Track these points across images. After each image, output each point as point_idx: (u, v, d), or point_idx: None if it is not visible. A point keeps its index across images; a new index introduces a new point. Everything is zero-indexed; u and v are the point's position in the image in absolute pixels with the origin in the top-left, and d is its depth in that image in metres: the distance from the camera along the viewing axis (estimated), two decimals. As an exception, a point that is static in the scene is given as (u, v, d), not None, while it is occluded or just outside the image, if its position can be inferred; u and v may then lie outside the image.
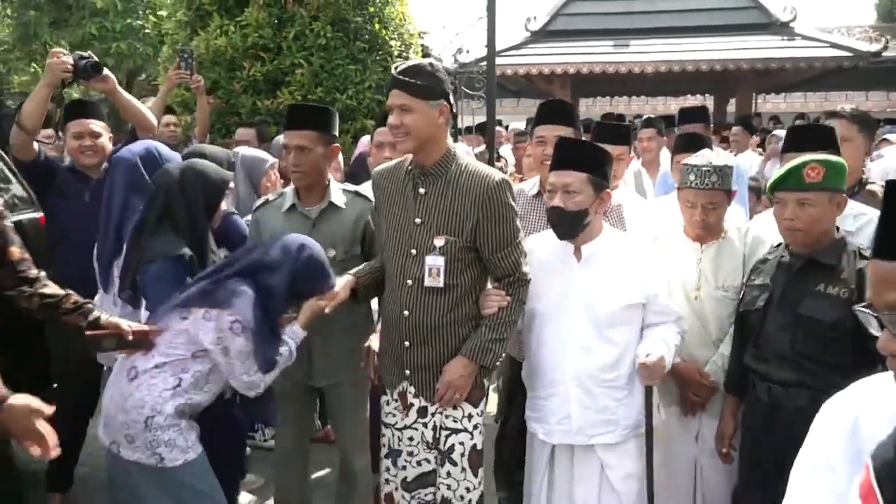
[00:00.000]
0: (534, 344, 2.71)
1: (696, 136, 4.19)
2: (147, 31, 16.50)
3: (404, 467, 2.59)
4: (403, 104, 2.37)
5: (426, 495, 2.59)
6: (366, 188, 3.07)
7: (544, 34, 13.84)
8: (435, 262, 2.43)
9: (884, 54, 12.23)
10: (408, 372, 2.55)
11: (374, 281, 2.66)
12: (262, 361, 2.31)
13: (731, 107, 15.21)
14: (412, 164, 2.52)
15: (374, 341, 2.77)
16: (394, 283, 2.55)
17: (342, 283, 2.56)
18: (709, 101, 17.07)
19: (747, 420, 2.60)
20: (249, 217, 3.16)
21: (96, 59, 3.36)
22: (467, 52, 13.44)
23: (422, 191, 2.47)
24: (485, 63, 12.86)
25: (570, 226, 2.54)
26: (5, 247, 2.49)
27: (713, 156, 2.83)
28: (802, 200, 2.40)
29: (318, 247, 2.48)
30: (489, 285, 2.61)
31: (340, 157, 4.36)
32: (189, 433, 2.32)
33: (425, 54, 7.69)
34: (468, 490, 2.53)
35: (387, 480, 2.64)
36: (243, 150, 3.93)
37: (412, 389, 2.56)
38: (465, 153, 2.88)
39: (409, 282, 2.48)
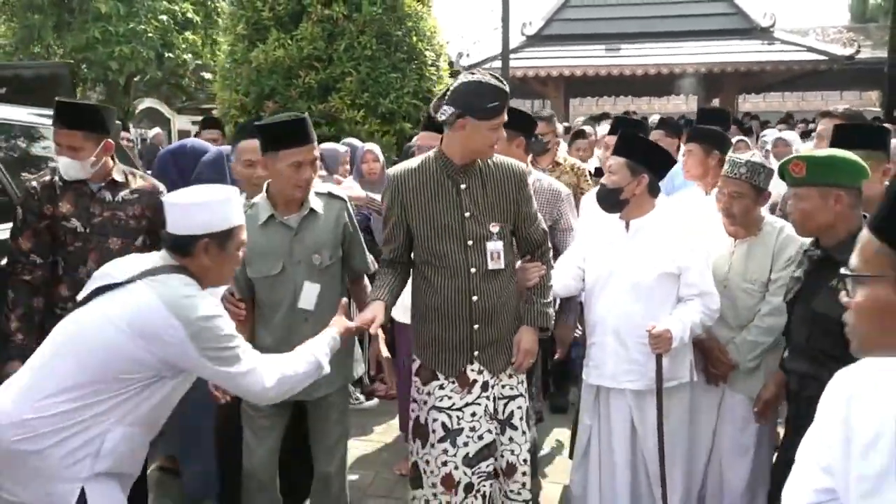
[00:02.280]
0: (589, 303, 3.02)
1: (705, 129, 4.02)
2: (150, 34, 16.70)
3: (466, 444, 2.62)
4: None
5: (487, 467, 2.66)
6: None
7: (540, 38, 14.60)
8: (495, 246, 2.60)
9: (856, 57, 13.16)
10: (476, 352, 2.64)
11: (395, 298, 2.72)
12: None
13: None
14: (442, 164, 2.61)
15: (383, 350, 2.85)
16: (453, 274, 2.60)
17: (376, 308, 2.57)
18: (693, 102, 17.94)
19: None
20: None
21: None
22: (467, 55, 14.18)
23: (463, 186, 2.59)
24: (486, 67, 13.66)
25: (608, 199, 2.89)
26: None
27: (754, 154, 3.02)
28: (795, 195, 2.48)
29: None
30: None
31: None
32: None
33: (451, 62, 8.39)
34: (528, 451, 2.71)
35: (444, 462, 2.64)
36: (322, 146, 4.67)
37: (475, 367, 2.65)
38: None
39: (473, 269, 2.59)
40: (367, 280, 3.02)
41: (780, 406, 2.86)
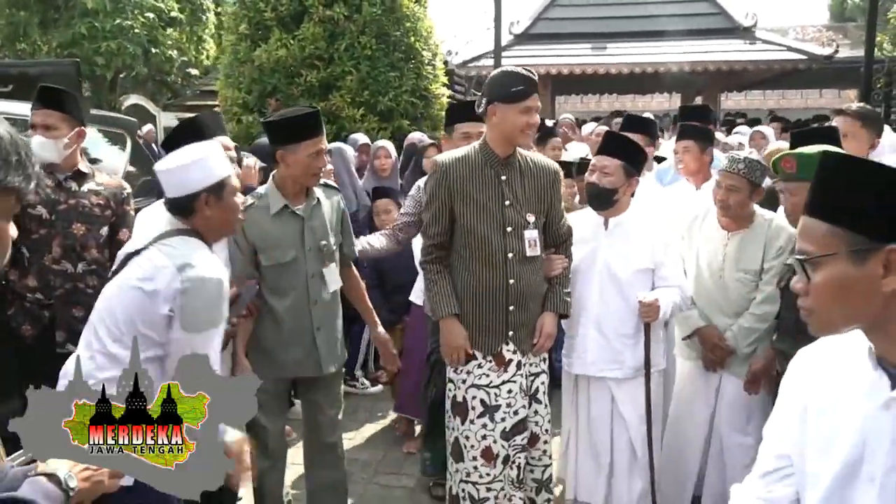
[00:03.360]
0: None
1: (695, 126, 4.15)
2: (136, 31, 16.66)
3: (503, 419, 2.79)
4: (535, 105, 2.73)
5: (521, 440, 2.85)
6: None
7: (527, 37, 14.77)
8: (532, 235, 2.79)
9: (835, 56, 13.51)
10: (511, 333, 2.81)
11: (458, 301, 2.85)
12: None
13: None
14: (485, 155, 2.79)
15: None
16: (490, 259, 2.77)
17: (459, 333, 2.80)
18: (676, 100, 18.24)
19: None
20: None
21: None
22: (456, 54, 14.38)
23: (503, 177, 2.79)
24: (474, 64, 13.89)
25: (601, 199, 3.00)
26: (122, 227, 3.06)
27: (752, 152, 3.26)
28: (787, 189, 2.62)
29: None
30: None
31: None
32: None
33: (445, 61, 8.61)
34: (549, 422, 2.92)
35: (483, 437, 2.81)
36: (341, 144, 4.89)
37: (511, 347, 2.81)
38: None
39: (511, 255, 2.77)
40: (353, 266, 3.18)
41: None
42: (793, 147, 2.89)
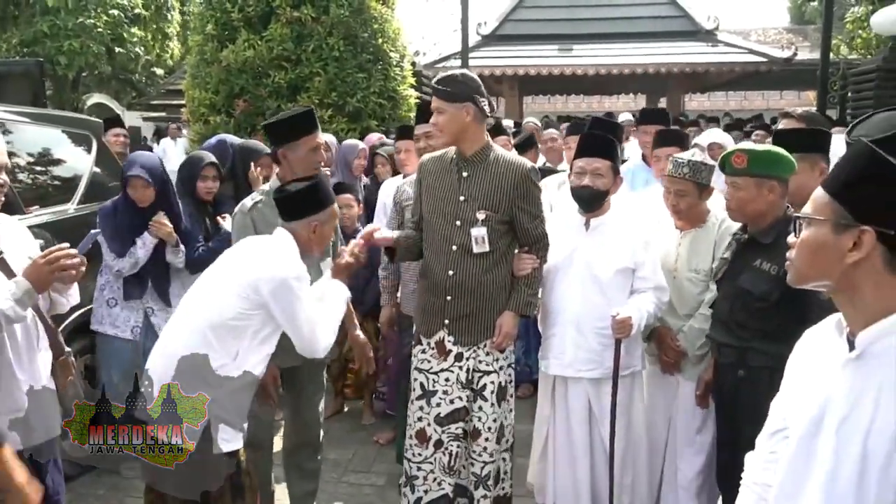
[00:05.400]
0: (546, 294, 3.14)
1: (676, 132, 4.32)
2: (99, 29, 16.40)
3: (438, 405, 2.95)
4: (437, 107, 2.86)
5: (455, 429, 2.95)
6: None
7: (494, 38, 14.85)
8: (479, 231, 2.86)
9: (794, 59, 13.83)
10: (447, 321, 2.93)
11: (411, 245, 3.05)
12: None
13: (662, 105, 16.62)
14: (456, 154, 2.94)
15: (359, 335, 3.20)
16: (438, 248, 2.94)
17: (386, 232, 3.00)
18: (641, 101, 18.49)
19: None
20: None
21: None
22: (424, 55, 14.43)
23: (465, 174, 2.90)
24: (442, 65, 13.94)
25: (594, 200, 3.00)
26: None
27: (695, 153, 3.11)
28: (733, 184, 2.68)
29: None
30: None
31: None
32: None
33: (413, 62, 8.65)
34: (494, 420, 2.97)
35: (419, 418, 2.99)
36: (345, 142, 5.28)
37: (451, 338, 2.94)
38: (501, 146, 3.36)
39: (454, 247, 2.90)
40: None
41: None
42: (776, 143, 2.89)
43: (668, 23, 14.49)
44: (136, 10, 17.66)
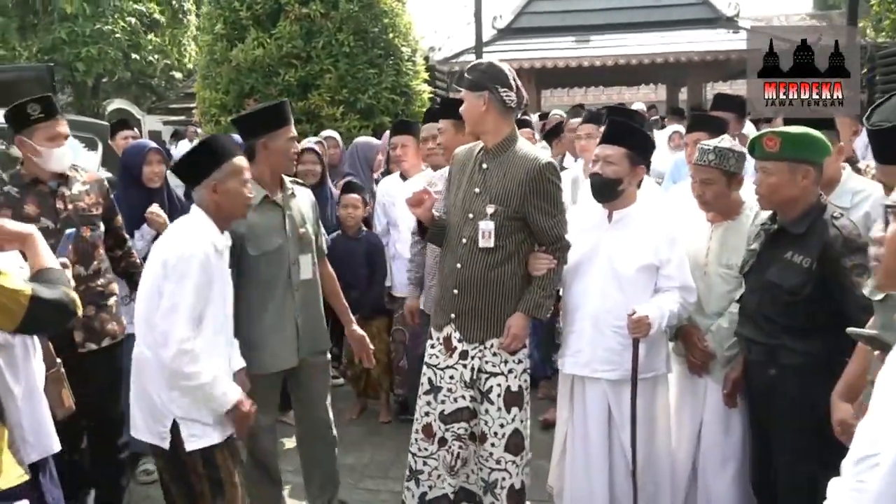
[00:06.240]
0: (566, 289, 3.03)
1: (708, 116, 4.08)
2: (117, 35, 16.55)
3: (443, 402, 2.90)
4: (462, 95, 2.87)
5: (458, 429, 2.89)
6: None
7: (510, 31, 14.72)
8: (486, 226, 2.79)
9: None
10: (453, 315, 2.88)
11: (440, 232, 2.98)
12: None
13: (683, 95, 16.37)
14: (483, 146, 2.90)
15: (356, 330, 3.29)
16: (451, 241, 2.91)
17: (427, 206, 2.90)
18: (661, 91, 18.22)
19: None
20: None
21: None
22: (438, 49, 14.30)
23: (484, 166, 2.85)
24: (456, 60, 13.80)
25: (605, 189, 2.87)
26: (114, 214, 3.27)
27: (723, 139, 2.92)
28: (763, 168, 2.53)
29: None
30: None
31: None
32: None
33: (426, 57, 8.53)
34: (501, 426, 2.84)
35: (426, 413, 2.96)
36: (357, 140, 5.21)
37: (457, 335, 2.88)
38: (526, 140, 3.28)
39: (464, 240, 2.85)
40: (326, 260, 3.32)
41: None
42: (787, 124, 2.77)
43: (688, 10, 14.23)
44: (154, 16, 17.76)
